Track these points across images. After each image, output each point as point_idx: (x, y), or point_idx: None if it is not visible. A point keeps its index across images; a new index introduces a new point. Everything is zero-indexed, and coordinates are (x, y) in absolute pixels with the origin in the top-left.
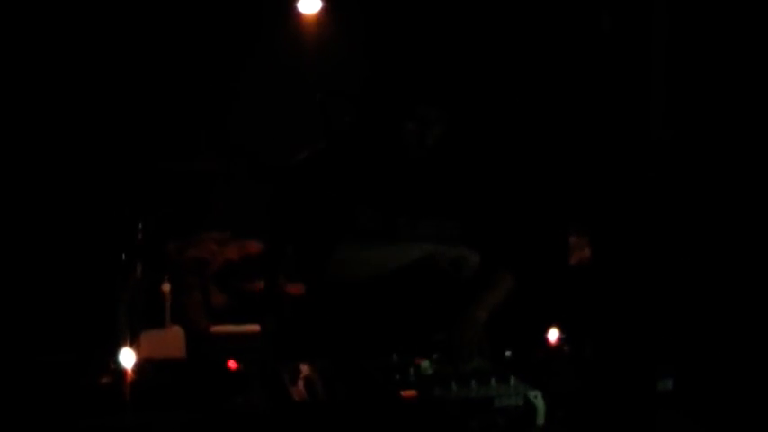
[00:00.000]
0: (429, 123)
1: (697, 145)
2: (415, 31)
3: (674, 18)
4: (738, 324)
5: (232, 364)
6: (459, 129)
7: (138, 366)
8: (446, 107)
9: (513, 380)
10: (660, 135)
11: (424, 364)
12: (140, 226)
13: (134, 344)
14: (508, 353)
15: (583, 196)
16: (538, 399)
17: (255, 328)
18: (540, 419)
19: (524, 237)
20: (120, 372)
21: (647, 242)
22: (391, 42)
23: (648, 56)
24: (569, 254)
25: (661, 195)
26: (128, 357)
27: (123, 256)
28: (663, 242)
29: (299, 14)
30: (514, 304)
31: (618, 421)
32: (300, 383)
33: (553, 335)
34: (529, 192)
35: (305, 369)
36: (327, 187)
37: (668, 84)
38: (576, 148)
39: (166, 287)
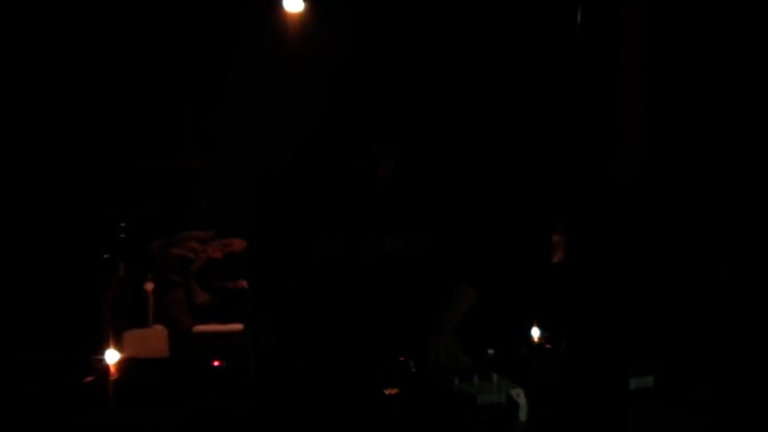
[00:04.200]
0: (381, 159)
1: (672, 145)
2: (395, 36)
3: (649, 21)
4: (719, 322)
5: (215, 362)
6: (415, 155)
7: (122, 365)
8: (399, 141)
9: (495, 377)
10: (634, 138)
11: (408, 361)
12: (123, 225)
13: (118, 343)
14: (491, 350)
15: (563, 195)
16: (520, 396)
17: (238, 326)
18: (523, 416)
19: (491, 247)
20: (104, 370)
21: (625, 241)
22: (373, 43)
23: (621, 58)
24: (552, 252)
25: (640, 194)
26: (112, 356)
27: (107, 254)
28: (643, 241)
29: (283, 12)
30: (487, 309)
31: (592, 416)
32: None
33: (535, 333)
34: (509, 191)
35: None
36: (289, 218)
37: (643, 85)
38: (557, 147)
39: (150, 286)
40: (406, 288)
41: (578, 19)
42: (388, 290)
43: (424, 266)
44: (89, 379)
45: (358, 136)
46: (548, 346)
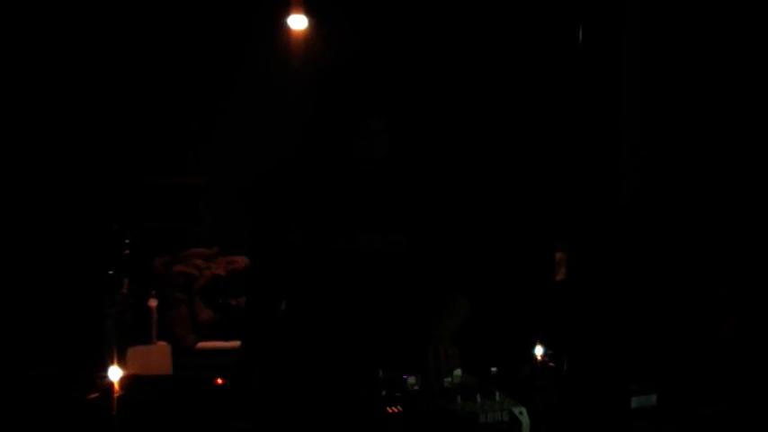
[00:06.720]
0: (375, 136)
1: (672, 159)
2: (402, 44)
3: (646, 32)
4: (723, 340)
5: (219, 379)
6: (406, 141)
7: (125, 382)
8: (390, 118)
9: (498, 395)
10: (634, 151)
11: (411, 379)
12: (127, 241)
13: (121, 360)
14: (494, 369)
15: (565, 212)
16: (523, 414)
17: None
18: None
19: (480, 255)
20: (108, 388)
21: (628, 258)
22: (378, 56)
23: (620, 76)
24: (554, 270)
25: (641, 208)
26: (115, 373)
27: (110, 271)
28: (643, 257)
29: (287, 30)
30: (473, 323)
31: None
32: None
33: (538, 351)
34: (512, 208)
35: None
36: (285, 209)
37: (642, 98)
38: (558, 163)
39: (153, 303)
40: (387, 291)
41: (579, 37)
42: (370, 290)
43: (407, 270)
44: (92, 396)
45: (351, 112)
46: (551, 364)
